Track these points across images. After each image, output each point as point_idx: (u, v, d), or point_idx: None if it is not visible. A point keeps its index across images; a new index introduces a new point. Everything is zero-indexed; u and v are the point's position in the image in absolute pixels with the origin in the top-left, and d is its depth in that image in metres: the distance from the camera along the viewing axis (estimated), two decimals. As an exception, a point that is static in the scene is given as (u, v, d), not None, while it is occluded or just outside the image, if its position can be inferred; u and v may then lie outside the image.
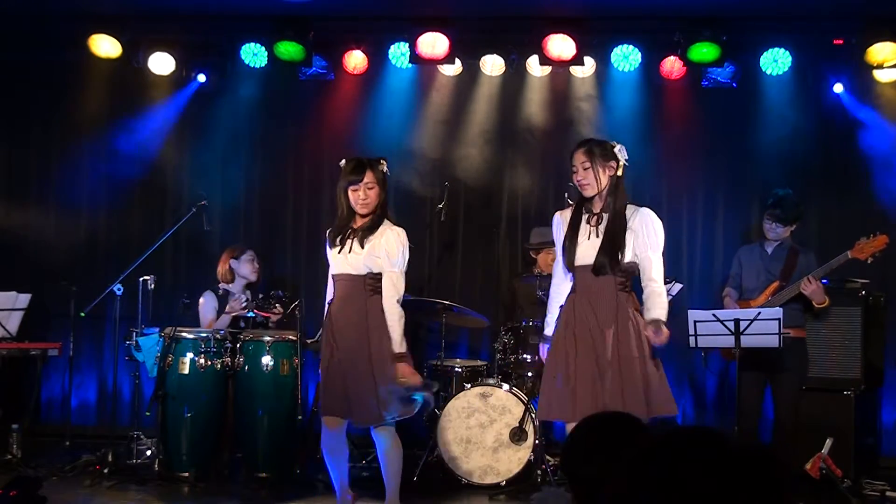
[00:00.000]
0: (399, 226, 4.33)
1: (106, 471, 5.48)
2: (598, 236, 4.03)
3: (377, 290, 4.25)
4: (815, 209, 6.49)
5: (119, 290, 5.79)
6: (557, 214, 4.25)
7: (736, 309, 5.32)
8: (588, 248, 4.03)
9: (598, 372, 3.96)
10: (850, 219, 6.67)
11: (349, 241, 4.25)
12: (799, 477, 5.13)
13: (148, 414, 5.66)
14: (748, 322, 4.87)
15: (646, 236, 4.04)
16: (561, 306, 4.17)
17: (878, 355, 5.93)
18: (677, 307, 6.17)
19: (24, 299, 6.11)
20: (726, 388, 6.56)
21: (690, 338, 5.07)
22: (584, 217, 4.09)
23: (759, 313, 4.88)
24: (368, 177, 4.22)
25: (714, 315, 4.99)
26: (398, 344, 4.21)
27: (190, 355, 5.47)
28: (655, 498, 1.34)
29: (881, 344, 5.96)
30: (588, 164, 4.02)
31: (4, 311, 6.01)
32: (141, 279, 5.82)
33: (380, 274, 4.24)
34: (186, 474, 5.44)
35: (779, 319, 4.82)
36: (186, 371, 5.46)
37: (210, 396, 5.52)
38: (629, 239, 4.02)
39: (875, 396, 6.16)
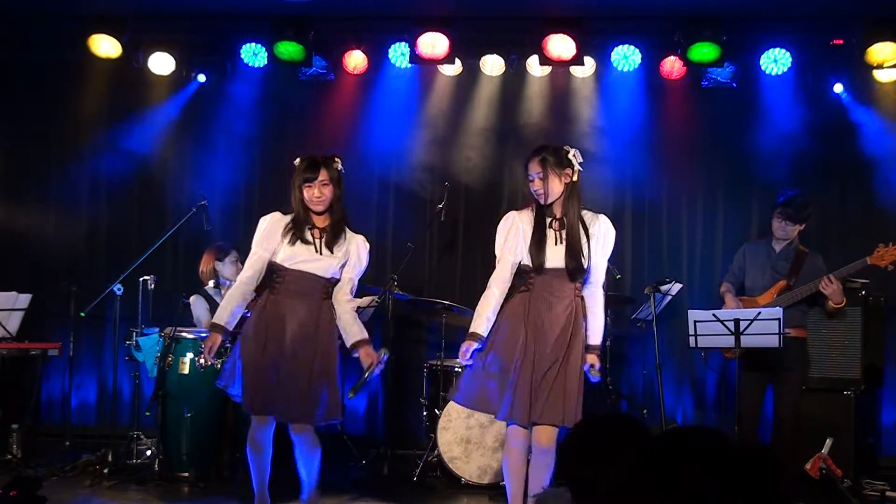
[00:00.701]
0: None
1: (106, 471, 5.49)
2: (562, 241, 4.06)
3: (329, 296, 4.28)
4: (816, 209, 6.48)
5: (119, 290, 5.79)
6: (514, 213, 4.20)
7: (738, 304, 5.32)
8: (556, 253, 4.05)
9: (539, 371, 3.97)
10: (850, 218, 6.69)
11: (317, 241, 4.24)
12: (799, 477, 5.13)
13: (148, 414, 5.66)
14: (748, 322, 4.88)
15: (604, 244, 4.13)
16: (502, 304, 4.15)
17: (878, 355, 5.93)
18: (677, 307, 6.20)
19: (24, 299, 6.11)
20: (726, 388, 6.56)
21: (690, 338, 5.07)
22: (548, 221, 4.10)
23: (759, 313, 4.88)
24: (322, 174, 4.21)
25: (714, 315, 4.99)
26: (362, 329, 4.29)
27: (190, 355, 5.47)
28: (655, 498, 1.34)
29: (881, 344, 5.96)
30: (542, 174, 4.03)
31: (4, 311, 6.02)
32: (141, 279, 5.83)
33: (337, 280, 4.27)
34: (186, 474, 5.44)
35: (779, 319, 4.83)
36: (186, 371, 5.46)
37: (210, 396, 5.51)
38: (592, 245, 4.09)
39: (875, 396, 6.16)
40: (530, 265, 4.07)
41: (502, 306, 4.12)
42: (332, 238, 4.25)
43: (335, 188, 4.26)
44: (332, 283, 4.27)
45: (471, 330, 4.09)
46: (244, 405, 4.27)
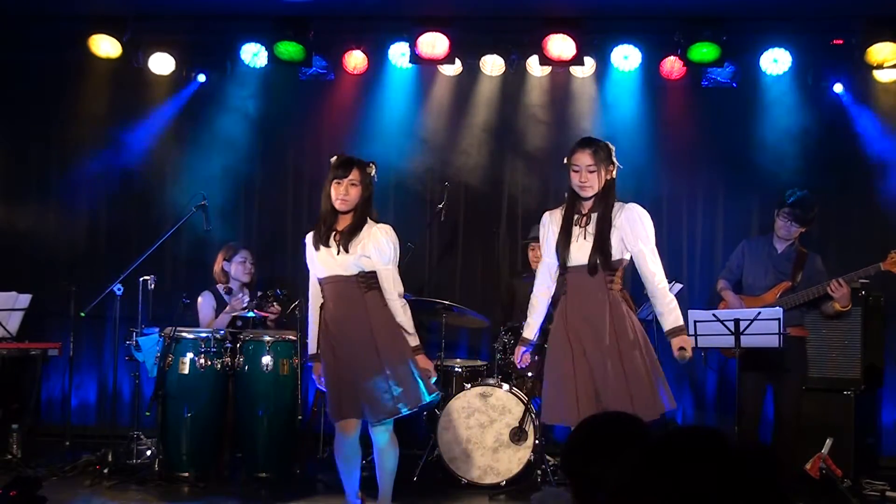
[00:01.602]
0: (387, 223, 4.37)
1: (106, 471, 5.49)
2: (586, 238, 4.04)
3: (371, 287, 4.27)
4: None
5: (119, 290, 5.79)
6: (547, 214, 4.24)
7: (738, 301, 5.32)
8: (579, 249, 4.03)
9: (594, 370, 3.95)
10: (849, 218, 6.68)
11: (336, 243, 4.25)
12: (799, 477, 5.13)
13: (148, 414, 5.66)
14: (748, 322, 4.87)
15: (633, 230, 4.03)
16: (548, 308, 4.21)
17: (878, 355, 5.92)
18: (677, 307, 6.20)
19: (24, 299, 6.11)
20: (726, 387, 6.56)
21: (690, 338, 5.06)
22: (575, 218, 4.09)
23: (759, 313, 4.88)
24: (353, 174, 4.23)
25: (714, 315, 4.99)
26: (414, 337, 4.34)
27: (190, 355, 5.47)
28: (656, 498, 1.34)
29: (881, 344, 5.95)
30: (594, 168, 4.00)
31: (4, 311, 6.02)
32: (141, 279, 5.83)
33: (372, 272, 4.26)
34: (186, 474, 5.44)
35: (779, 319, 4.82)
36: (186, 371, 5.46)
37: (210, 396, 5.52)
38: (615, 237, 4.01)
39: (875, 396, 6.16)
40: (559, 264, 4.09)
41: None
42: (347, 240, 4.24)
43: (363, 191, 4.26)
44: (366, 275, 4.26)
45: (522, 336, 4.29)
46: (329, 415, 4.41)
